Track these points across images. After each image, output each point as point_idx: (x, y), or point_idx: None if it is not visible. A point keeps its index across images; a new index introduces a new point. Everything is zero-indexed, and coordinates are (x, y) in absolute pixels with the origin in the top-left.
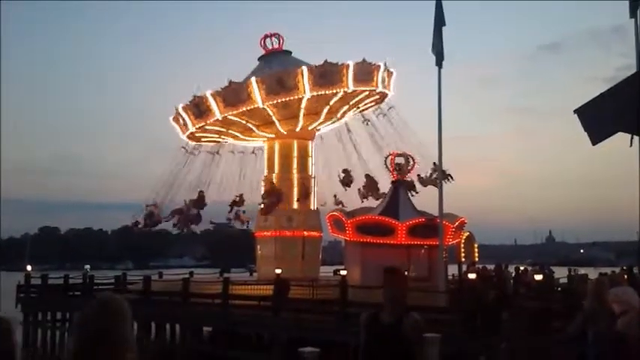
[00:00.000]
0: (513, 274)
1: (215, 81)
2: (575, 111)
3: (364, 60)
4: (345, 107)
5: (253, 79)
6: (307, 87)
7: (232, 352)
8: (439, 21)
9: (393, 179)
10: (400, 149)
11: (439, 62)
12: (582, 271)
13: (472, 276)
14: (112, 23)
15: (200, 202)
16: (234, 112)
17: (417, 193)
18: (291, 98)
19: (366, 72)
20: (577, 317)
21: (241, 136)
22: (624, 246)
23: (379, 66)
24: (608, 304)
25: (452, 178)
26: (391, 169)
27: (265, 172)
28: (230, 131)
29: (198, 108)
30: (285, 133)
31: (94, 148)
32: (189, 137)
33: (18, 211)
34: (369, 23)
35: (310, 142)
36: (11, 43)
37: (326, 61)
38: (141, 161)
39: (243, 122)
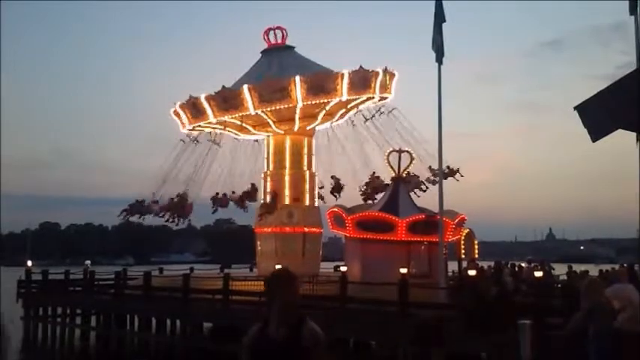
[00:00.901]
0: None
1: (215, 77)
2: (576, 108)
3: (386, 68)
4: (355, 110)
5: (298, 78)
6: (345, 91)
7: (232, 347)
8: (439, 17)
9: (393, 176)
10: (401, 147)
11: (439, 58)
12: (582, 267)
13: (472, 273)
14: (113, 18)
15: (253, 195)
16: (269, 108)
17: (424, 191)
18: (326, 100)
19: (386, 79)
20: (577, 314)
21: (253, 131)
22: (625, 243)
23: (394, 74)
24: (607, 300)
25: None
26: (397, 166)
27: (271, 167)
28: (243, 124)
29: (227, 102)
30: (295, 130)
31: (95, 142)
32: (193, 128)
33: (18, 207)
34: (368, 21)
35: (313, 139)
36: (12, 37)
37: (361, 67)
38: (142, 156)
39: (264, 117)
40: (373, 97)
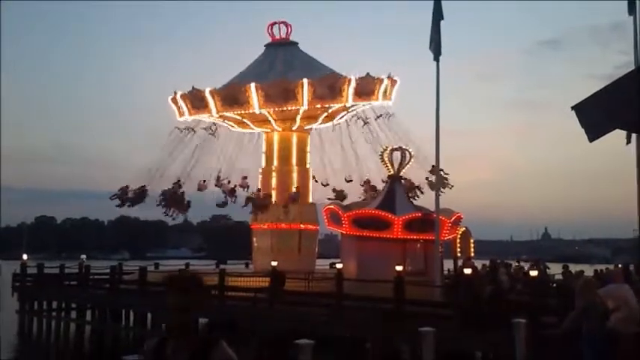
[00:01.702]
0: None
1: (215, 71)
2: (573, 107)
3: (389, 75)
4: (353, 111)
5: (306, 81)
6: (350, 97)
7: (227, 343)
8: (437, 15)
9: (389, 174)
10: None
11: (437, 56)
12: (578, 267)
13: (468, 271)
14: (113, 15)
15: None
16: (274, 108)
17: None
18: (331, 105)
19: (388, 86)
20: (571, 313)
21: (252, 126)
22: (620, 243)
23: (396, 81)
24: (600, 300)
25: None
26: (387, 164)
27: (275, 164)
28: (244, 120)
29: (232, 98)
30: (294, 129)
31: (92, 136)
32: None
33: (14, 200)
34: (368, 20)
35: (309, 136)
36: (13, 33)
37: (368, 74)
38: (142, 151)
39: (266, 115)
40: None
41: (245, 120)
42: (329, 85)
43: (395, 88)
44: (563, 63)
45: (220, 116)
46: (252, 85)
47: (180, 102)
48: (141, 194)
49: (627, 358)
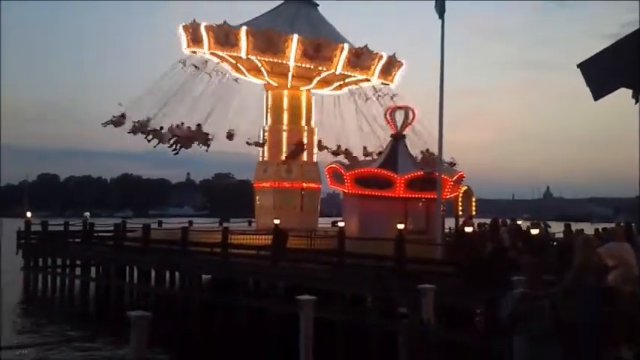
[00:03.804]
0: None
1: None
2: (579, 65)
3: (394, 55)
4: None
5: (346, 47)
6: (377, 73)
7: (231, 299)
8: None
9: (393, 132)
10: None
11: (441, 14)
12: (579, 226)
13: (469, 229)
14: None
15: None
16: (308, 65)
17: None
18: (358, 76)
19: (389, 66)
20: (568, 272)
21: (266, 77)
22: (622, 202)
23: (401, 63)
24: (599, 259)
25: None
26: (390, 122)
27: (304, 122)
28: (262, 67)
29: (268, 43)
30: (307, 88)
31: (93, 94)
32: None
33: (15, 158)
34: None
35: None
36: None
37: (394, 55)
38: (141, 108)
39: (287, 70)
40: (388, 85)
41: (263, 68)
42: (363, 57)
43: (400, 70)
44: (569, 21)
45: (246, 58)
46: (295, 36)
47: (203, 33)
48: (145, 124)
49: (622, 315)
